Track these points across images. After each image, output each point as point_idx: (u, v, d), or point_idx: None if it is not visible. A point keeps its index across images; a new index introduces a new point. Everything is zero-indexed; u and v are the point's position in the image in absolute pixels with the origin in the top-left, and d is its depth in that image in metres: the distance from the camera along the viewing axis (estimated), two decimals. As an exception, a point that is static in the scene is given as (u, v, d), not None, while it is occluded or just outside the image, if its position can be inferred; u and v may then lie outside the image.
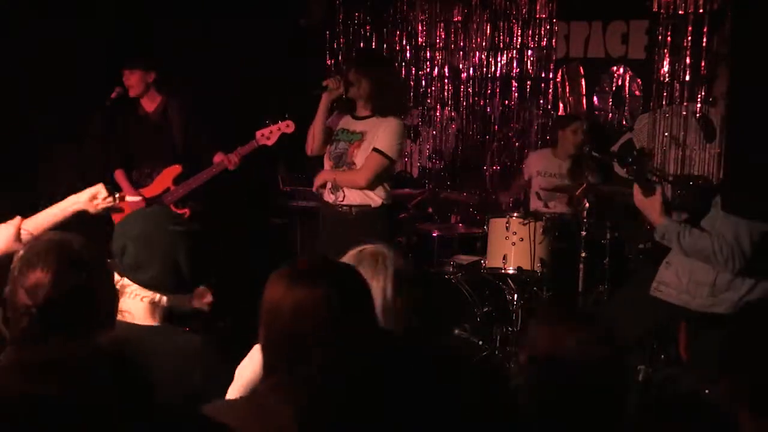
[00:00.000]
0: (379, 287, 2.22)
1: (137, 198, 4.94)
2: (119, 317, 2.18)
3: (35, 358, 1.21)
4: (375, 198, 4.51)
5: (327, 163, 4.64)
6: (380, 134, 4.45)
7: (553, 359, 1.75)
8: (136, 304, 2.19)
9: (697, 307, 3.50)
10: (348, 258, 2.27)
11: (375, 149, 4.44)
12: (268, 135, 4.94)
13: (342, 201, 4.53)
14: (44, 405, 1.12)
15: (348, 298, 1.75)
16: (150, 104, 5.18)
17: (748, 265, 3.42)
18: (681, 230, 3.49)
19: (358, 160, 4.49)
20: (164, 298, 2.21)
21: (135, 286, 2.18)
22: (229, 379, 2.14)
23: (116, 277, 2.12)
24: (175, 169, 5.13)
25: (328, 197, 4.59)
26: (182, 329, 2.24)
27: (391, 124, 4.48)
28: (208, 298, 2.70)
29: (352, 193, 4.51)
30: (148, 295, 2.20)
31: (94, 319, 1.79)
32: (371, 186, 4.49)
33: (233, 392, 2.11)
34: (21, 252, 1.83)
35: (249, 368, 2.12)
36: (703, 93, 5.78)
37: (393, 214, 4.75)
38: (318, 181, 4.64)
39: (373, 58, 4.98)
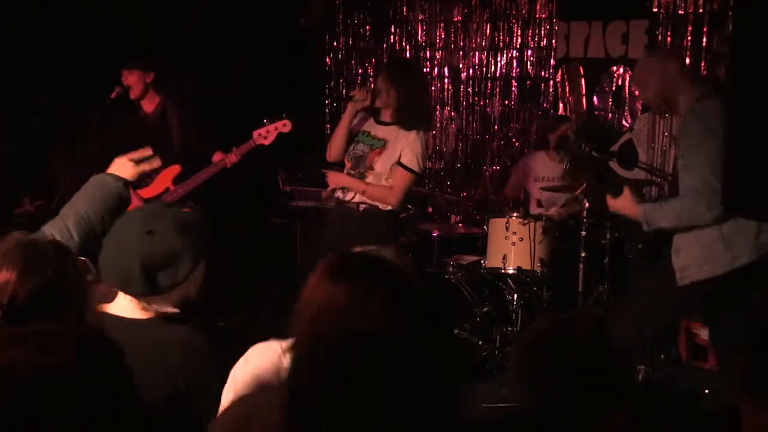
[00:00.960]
0: None
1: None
2: (111, 313, 2.18)
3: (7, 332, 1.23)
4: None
5: (346, 163, 4.65)
6: (406, 149, 4.45)
7: None
8: (122, 301, 2.19)
9: (723, 268, 3.44)
10: None
11: (404, 166, 4.45)
12: (265, 134, 4.94)
13: (352, 199, 4.55)
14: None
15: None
16: (149, 104, 5.18)
17: (733, 202, 3.38)
18: (656, 207, 3.51)
19: (378, 167, 4.49)
20: (153, 304, 2.18)
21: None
22: (220, 375, 2.11)
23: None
24: (175, 169, 5.13)
25: (338, 194, 4.60)
26: (174, 323, 2.20)
27: (416, 140, 4.46)
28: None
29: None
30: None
31: (62, 316, 1.78)
32: (401, 203, 4.57)
33: (227, 393, 2.10)
34: None
35: (244, 370, 2.10)
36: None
37: (397, 216, 4.74)
38: (338, 183, 4.61)
39: (404, 67, 4.93)
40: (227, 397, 2.07)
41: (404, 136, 4.47)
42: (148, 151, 2.83)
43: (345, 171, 4.64)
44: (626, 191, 3.64)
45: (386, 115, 4.55)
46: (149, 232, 2.14)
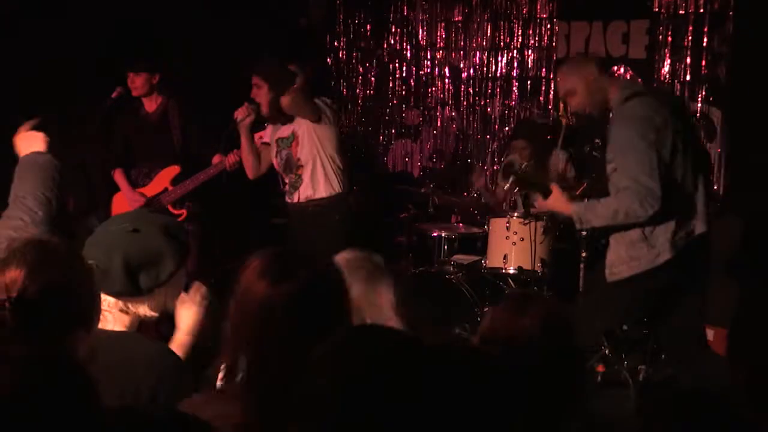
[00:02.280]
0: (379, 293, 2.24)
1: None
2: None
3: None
4: (334, 186, 4.74)
5: (284, 176, 4.86)
6: (309, 114, 4.64)
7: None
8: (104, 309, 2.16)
9: (647, 264, 3.52)
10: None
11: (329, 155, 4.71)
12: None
13: (299, 199, 4.77)
14: None
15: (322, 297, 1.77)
16: (151, 104, 5.18)
17: (663, 200, 3.42)
18: (589, 205, 3.54)
19: (303, 156, 4.71)
20: (130, 305, 2.15)
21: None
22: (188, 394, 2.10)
23: None
24: (174, 170, 5.13)
25: (289, 198, 4.84)
26: (152, 338, 2.18)
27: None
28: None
29: (306, 189, 4.72)
30: (108, 300, 2.14)
31: (71, 317, 1.78)
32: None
33: None
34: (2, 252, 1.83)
35: None
36: (703, 93, 5.78)
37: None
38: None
39: (270, 64, 5.00)
40: None
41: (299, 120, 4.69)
42: (35, 120, 2.80)
43: (287, 183, 4.83)
44: (555, 190, 3.66)
45: (281, 114, 4.73)
46: (134, 230, 2.13)
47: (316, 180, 4.72)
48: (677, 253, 3.50)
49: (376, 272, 2.31)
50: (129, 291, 2.11)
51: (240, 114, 4.70)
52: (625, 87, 3.67)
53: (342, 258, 2.32)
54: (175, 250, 2.15)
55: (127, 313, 2.15)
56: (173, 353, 2.16)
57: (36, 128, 2.74)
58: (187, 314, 2.28)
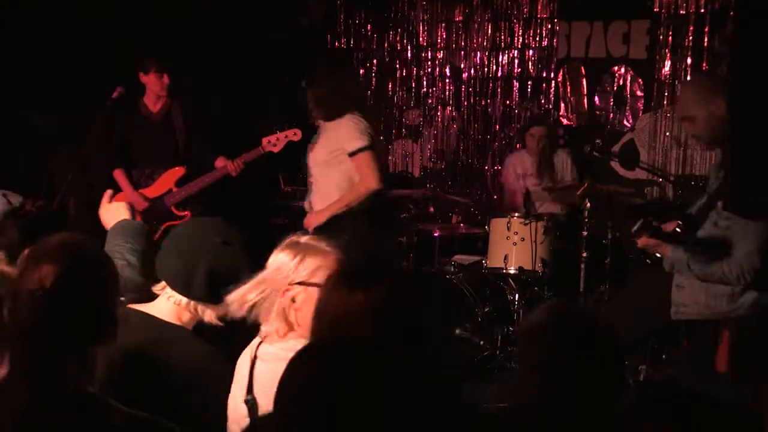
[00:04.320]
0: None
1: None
2: (146, 312, 2.23)
3: None
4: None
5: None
6: (343, 138, 4.31)
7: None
8: (163, 304, 2.24)
9: (720, 315, 3.48)
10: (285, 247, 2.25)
11: (353, 152, 4.28)
12: (275, 142, 4.93)
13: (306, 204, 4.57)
14: None
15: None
16: (155, 105, 5.18)
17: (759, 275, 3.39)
18: (688, 259, 3.44)
19: (312, 162, 4.44)
20: (192, 304, 2.24)
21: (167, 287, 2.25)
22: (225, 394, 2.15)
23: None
24: (179, 171, 5.13)
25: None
26: (201, 339, 2.25)
27: (346, 124, 4.33)
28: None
29: (316, 204, 4.44)
30: (176, 297, 2.24)
31: (97, 323, 1.78)
32: (380, 180, 4.34)
33: (236, 386, 2.12)
34: (29, 249, 1.83)
35: (247, 363, 2.13)
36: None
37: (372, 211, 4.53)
38: (319, 221, 4.39)
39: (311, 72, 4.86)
40: (236, 389, 2.12)
41: (330, 129, 4.37)
42: (109, 192, 2.90)
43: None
44: (664, 235, 3.45)
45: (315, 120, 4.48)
46: (225, 242, 2.22)
47: (322, 191, 4.52)
48: (754, 311, 3.42)
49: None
50: (206, 299, 2.22)
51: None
52: None
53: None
54: (251, 267, 2.22)
55: (193, 312, 2.24)
56: (220, 358, 2.20)
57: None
58: None
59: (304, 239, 2.26)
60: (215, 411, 2.08)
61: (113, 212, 2.70)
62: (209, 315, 2.25)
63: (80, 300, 1.74)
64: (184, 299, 2.23)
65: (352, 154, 4.29)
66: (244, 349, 2.19)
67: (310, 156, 4.47)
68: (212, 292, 2.18)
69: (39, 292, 1.71)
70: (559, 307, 1.92)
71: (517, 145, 6.47)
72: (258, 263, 2.19)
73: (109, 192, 2.81)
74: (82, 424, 1.62)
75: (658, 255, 3.56)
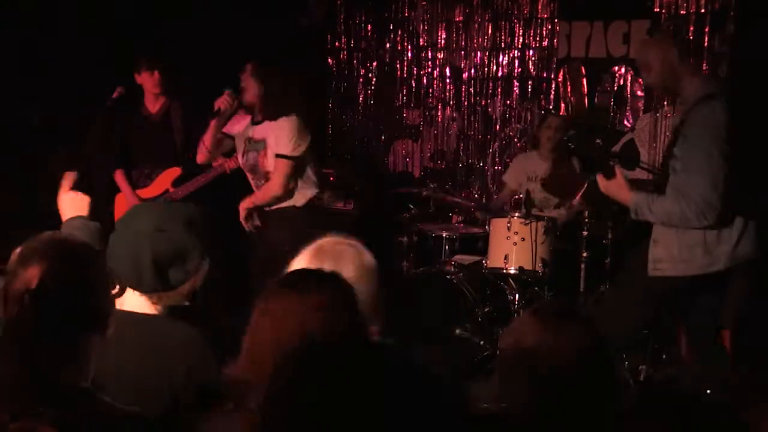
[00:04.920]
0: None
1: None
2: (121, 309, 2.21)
3: None
4: (298, 198, 4.59)
5: (247, 174, 4.74)
6: (276, 139, 4.50)
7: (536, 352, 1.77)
8: (133, 297, 2.24)
9: (697, 270, 3.51)
10: (307, 255, 2.29)
11: (276, 155, 4.50)
12: None
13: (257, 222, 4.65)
14: None
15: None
16: (154, 105, 5.18)
17: (724, 213, 3.41)
18: (650, 200, 3.51)
19: (270, 167, 4.55)
20: (162, 297, 2.25)
21: None
22: (217, 371, 2.16)
23: None
24: (175, 171, 5.13)
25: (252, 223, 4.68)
26: (181, 321, 2.25)
27: (282, 126, 4.49)
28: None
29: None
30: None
31: (87, 318, 1.80)
32: (288, 190, 4.55)
33: None
34: (19, 248, 1.84)
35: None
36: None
37: (317, 212, 4.76)
38: (243, 215, 4.64)
39: (269, 64, 4.95)
40: None
41: (273, 127, 4.52)
42: (73, 176, 2.79)
43: (251, 182, 4.72)
44: (619, 174, 3.62)
45: (257, 114, 4.62)
46: (159, 229, 2.20)
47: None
48: (732, 266, 3.49)
49: (339, 257, 2.34)
50: (161, 287, 2.22)
51: (222, 105, 4.60)
52: (705, 85, 3.60)
53: (327, 243, 2.35)
54: (199, 242, 2.24)
55: (156, 301, 2.26)
56: (203, 336, 2.23)
57: (78, 184, 2.75)
58: None
59: (327, 245, 2.32)
60: (196, 389, 2.11)
61: (72, 203, 2.64)
62: (174, 300, 2.27)
63: (69, 298, 1.76)
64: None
65: (277, 156, 4.50)
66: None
67: (264, 161, 4.57)
68: (163, 280, 2.21)
69: (27, 292, 1.72)
70: (550, 308, 1.93)
71: (519, 145, 6.48)
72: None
73: (70, 175, 2.75)
74: (74, 419, 1.63)
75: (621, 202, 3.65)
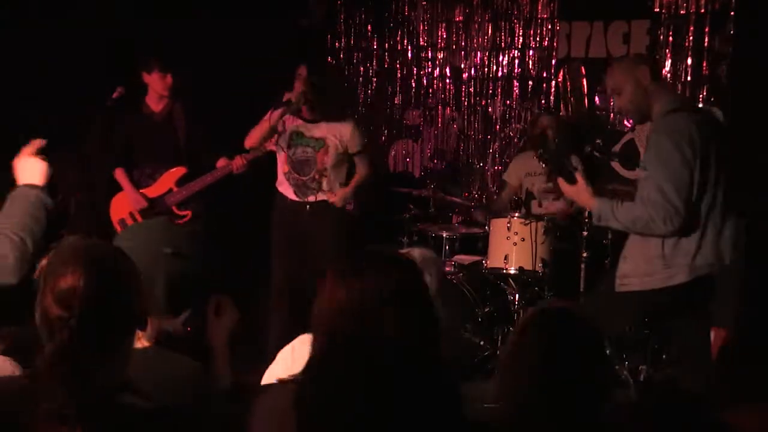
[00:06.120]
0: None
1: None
2: None
3: None
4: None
5: (284, 167, 4.92)
6: (350, 138, 4.87)
7: None
8: None
9: (659, 283, 3.50)
10: None
11: (356, 154, 4.92)
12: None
13: (315, 199, 4.89)
14: None
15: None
16: (157, 104, 5.18)
17: (688, 220, 3.41)
18: (613, 205, 3.50)
19: (329, 166, 4.86)
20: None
21: None
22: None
23: None
24: (180, 171, 5.13)
25: (298, 197, 4.91)
26: (177, 353, 2.18)
27: (348, 126, 4.89)
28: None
29: (323, 194, 4.88)
30: None
31: (127, 322, 1.79)
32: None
33: (277, 366, 2.17)
34: (47, 258, 1.81)
35: (292, 357, 2.18)
36: (704, 93, 5.78)
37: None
38: (341, 202, 4.92)
39: (320, 65, 5.15)
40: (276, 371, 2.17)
41: (337, 127, 4.86)
42: (39, 143, 2.67)
43: (286, 174, 4.91)
44: (580, 180, 3.58)
45: (309, 113, 4.83)
46: (161, 253, 2.18)
47: (335, 187, 4.91)
48: (695, 277, 3.48)
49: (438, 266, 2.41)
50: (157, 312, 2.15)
51: (294, 98, 4.72)
52: (672, 101, 3.59)
53: (417, 254, 2.48)
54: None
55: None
56: (197, 367, 2.17)
57: (41, 152, 2.64)
58: None
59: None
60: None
61: (29, 168, 2.52)
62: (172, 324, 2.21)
63: (110, 304, 1.74)
64: None
65: (357, 154, 4.96)
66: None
67: (325, 158, 4.87)
68: (175, 303, 2.18)
69: (77, 297, 1.69)
70: (550, 310, 1.93)
71: (519, 145, 6.48)
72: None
73: (36, 143, 2.64)
74: (112, 421, 1.62)
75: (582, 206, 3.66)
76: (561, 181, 3.65)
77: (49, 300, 1.71)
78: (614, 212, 3.48)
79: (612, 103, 6.23)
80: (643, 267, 3.52)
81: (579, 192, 3.60)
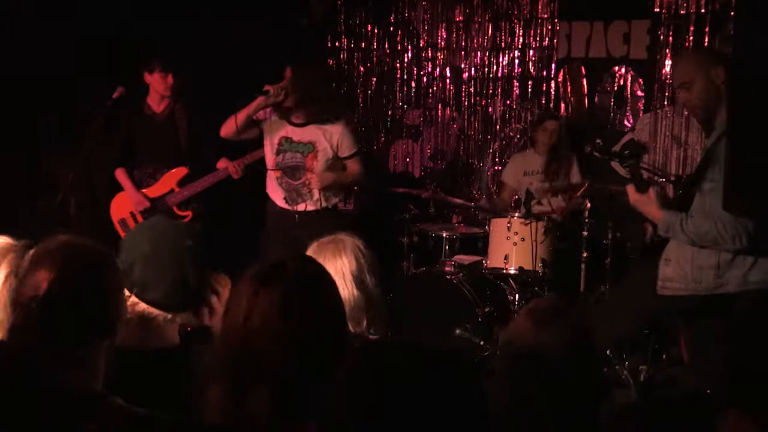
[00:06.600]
0: (337, 271, 2.36)
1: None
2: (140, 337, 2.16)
3: None
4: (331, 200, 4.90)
5: (274, 173, 4.86)
6: (339, 141, 4.78)
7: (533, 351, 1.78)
8: (149, 323, 2.16)
9: (705, 291, 3.45)
10: (309, 252, 2.40)
11: (347, 158, 4.82)
12: None
13: (305, 209, 4.83)
14: None
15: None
16: (159, 105, 5.18)
17: (754, 237, 3.35)
18: (683, 218, 3.44)
19: (319, 169, 4.78)
20: (177, 317, 2.18)
21: (144, 305, 2.14)
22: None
23: (126, 292, 2.06)
24: (182, 171, 5.13)
25: (289, 205, 4.84)
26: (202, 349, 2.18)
27: (338, 129, 4.79)
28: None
29: (314, 202, 4.82)
30: (159, 313, 2.16)
31: (96, 324, 1.78)
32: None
33: None
34: (32, 250, 1.83)
35: None
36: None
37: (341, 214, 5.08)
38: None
39: (307, 66, 5.08)
40: None
41: (326, 130, 4.77)
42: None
43: (278, 179, 4.85)
44: (651, 191, 3.49)
45: (298, 117, 4.77)
46: (184, 247, 2.24)
47: (324, 196, 4.85)
48: (742, 290, 3.38)
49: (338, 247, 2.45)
50: (187, 306, 2.20)
51: (273, 90, 4.65)
52: None
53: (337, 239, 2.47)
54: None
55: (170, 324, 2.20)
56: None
57: None
58: None
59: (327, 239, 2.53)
60: None
61: None
62: (194, 318, 2.23)
63: (77, 304, 1.74)
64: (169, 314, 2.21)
65: (350, 157, 4.86)
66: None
67: (315, 162, 4.79)
68: (202, 294, 2.22)
69: (35, 298, 1.71)
70: (541, 310, 1.93)
71: (519, 145, 6.49)
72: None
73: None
74: (86, 421, 1.63)
75: (650, 217, 3.58)
76: (630, 189, 3.55)
77: (24, 286, 1.74)
78: (683, 226, 3.38)
79: (612, 102, 6.23)
80: (691, 274, 3.45)
81: (647, 202, 3.51)
